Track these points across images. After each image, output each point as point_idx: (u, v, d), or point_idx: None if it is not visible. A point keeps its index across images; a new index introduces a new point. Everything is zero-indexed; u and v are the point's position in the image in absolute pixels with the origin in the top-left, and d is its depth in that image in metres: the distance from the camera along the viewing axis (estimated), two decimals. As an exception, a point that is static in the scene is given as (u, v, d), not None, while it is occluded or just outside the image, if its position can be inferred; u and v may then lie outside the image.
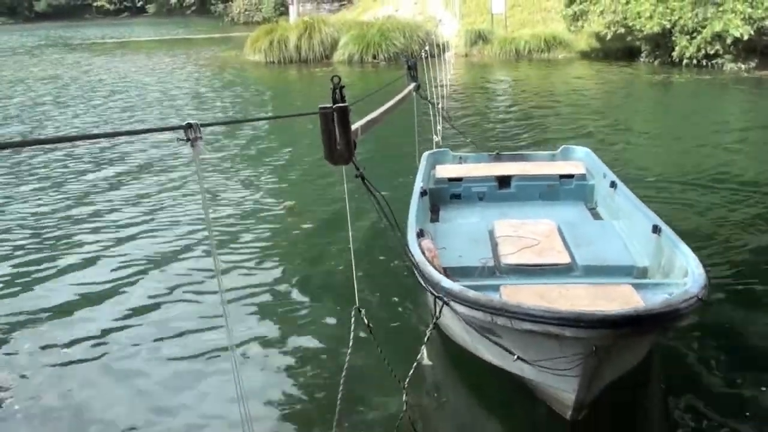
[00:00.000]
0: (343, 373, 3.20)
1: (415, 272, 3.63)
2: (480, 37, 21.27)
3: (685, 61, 16.10)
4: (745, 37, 14.71)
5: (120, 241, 6.50)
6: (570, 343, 2.85)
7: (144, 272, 5.72)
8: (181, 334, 4.63)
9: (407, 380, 3.24)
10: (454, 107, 12.83)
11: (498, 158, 6.62)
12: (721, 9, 14.99)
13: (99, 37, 40.66)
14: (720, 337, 4.27)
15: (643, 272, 4.15)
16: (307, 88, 17.90)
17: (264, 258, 5.97)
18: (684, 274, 3.49)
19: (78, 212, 7.50)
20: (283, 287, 5.36)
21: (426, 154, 6.56)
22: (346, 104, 2.86)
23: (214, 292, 5.04)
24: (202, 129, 2.12)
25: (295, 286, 5.36)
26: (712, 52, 15.59)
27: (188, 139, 2.10)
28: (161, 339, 4.59)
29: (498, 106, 13.75)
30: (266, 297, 5.18)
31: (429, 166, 6.23)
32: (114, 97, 16.83)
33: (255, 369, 4.17)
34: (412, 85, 6.63)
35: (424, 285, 3.56)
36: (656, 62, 17.28)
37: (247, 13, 46.33)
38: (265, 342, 4.49)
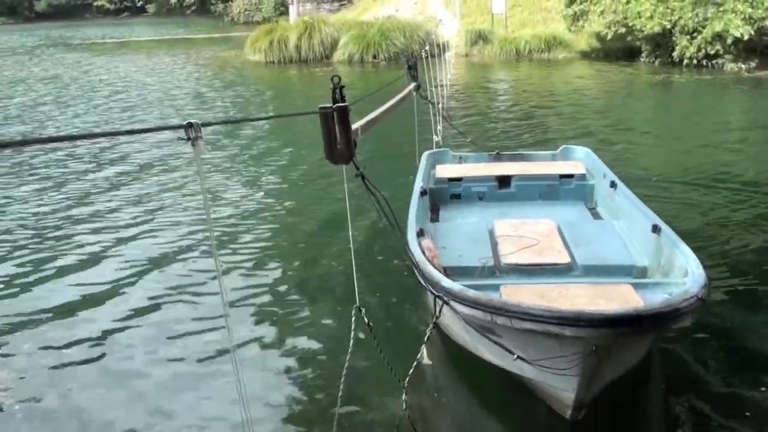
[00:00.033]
0: (344, 372, 3.21)
1: (415, 272, 3.64)
2: (480, 37, 21.27)
3: (685, 61, 16.10)
4: (746, 37, 14.70)
5: (121, 242, 6.50)
6: (570, 342, 2.86)
7: (144, 273, 5.72)
8: (180, 335, 4.62)
9: (407, 379, 3.24)
10: (454, 107, 12.84)
11: (498, 158, 6.62)
12: (721, 9, 14.99)
13: (99, 37, 40.68)
14: (720, 337, 4.27)
15: (643, 272, 4.16)
16: (308, 88, 17.91)
17: (264, 257, 5.98)
18: (684, 274, 3.49)
19: (78, 212, 7.51)
20: (282, 287, 5.37)
21: (426, 153, 6.56)
22: (346, 104, 2.87)
23: (214, 293, 5.03)
24: (202, 128, 2.13)
25: (294, 286, 5.36)
26: (712, 52, 15.59)
27: (189, 139, 2.10)
28: (161, 339, 4.59)
29: (498, 106, 13.76)
30: (266, 296, 5.18)
31: (429, 165, 6.23)
32: (115, 96, 16.84)
33: (255, 369, 4.17)
34: (413, 85, 6.63)
35: (423, 284, 3.56)
36: (657, 62, 17.28)
37: (247, 13, 46.33)
38: (265, 342, 4.49)
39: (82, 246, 6.43)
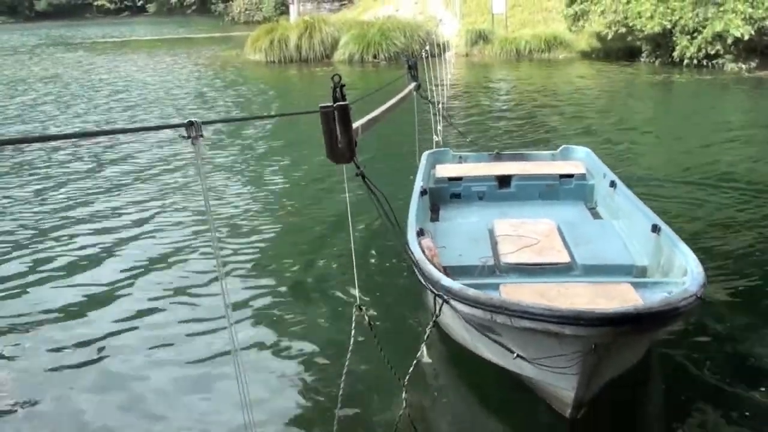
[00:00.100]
0: (344, 371, 3.21)
1: (415, 271, 3.64)
2: (480, 37, 21.28)
3: (685, 61, 16.11)
4: (746, 37, 14.72)
5: (121, 242, 6.50)
6: (569, 341, 2.87)
7: (144, 273, 5.72)
8: (180, 335, 4.62)
9: (407, 378, 3.25)
10: (454, 107, 12.85)
11: (498, 158, 6.64)
12: (721, 9, 15.00)
13: (100, 37, 40.68)
14: (719, 336, 4.27)
15: (643, 271, 4.17)
16: (308, 88, 17.92)
17: (264, 257, 5.98)
18: (683, 273, 3.50)
19: (79, 212, 7.50)
20: (283, 286, 5.37)
21: (426, 153, 6.57)
22: (346, 103, 2.88)
23: (214, 294, 5.03)
24: (203, 127, 2.14)
25: (295, 285, 5.37)
26: (712, 52, 15.60)
27: (189, 137, 2.12)
28: (161, 340, 4.58)
29: (498, 106, 13.76)
30: (266, 296, 5.19)
31: (429, 165, 6.24)
32: (115, 96, 16.84)
33: (255, 369, 4.16)
34: (413, 85, 6.64)
35: (424, 283, 3.57)
36: (657, 62, 17.29)
37: (247, 12, 46.35)
38: (265, 341, 4.49)
39: (82, 246, 6.43)
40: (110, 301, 5.22)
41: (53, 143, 10.85)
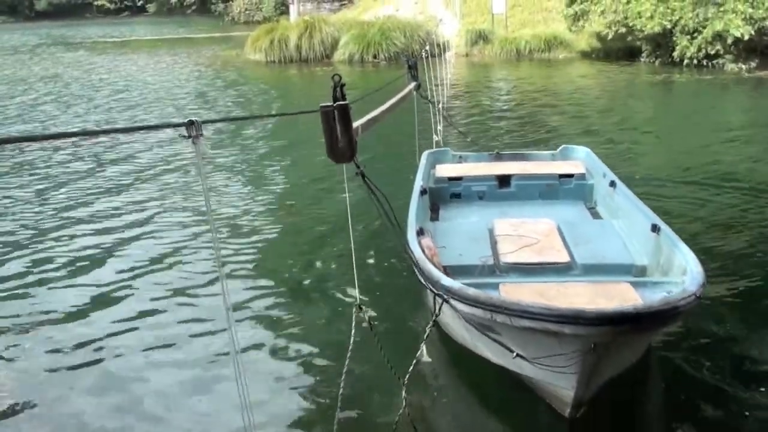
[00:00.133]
0: (344, 371, 3.22)
1: (415, 270, 3.65)
2: (480, 37, 21.28)
3: (685, 61, 16.11)
4: (746, 37, 14.71)
5: (122, 242, 6.50)
6: (569, 340, 2.87)
7: (144, 273, 5.72)
8: (180, 335, 4.62)
9: (407, 377, 3.25)
10: (454, 107, 12.85)
11: (498, 157, 6.64)
12: (721, 9, 15.00)
13: (100, 36, 40.68)
14: (719, 336, 4.27)
15: (642, 271, 4.17)
16: (308, 87, 17.92)
17: (264, 257, 5.99)
18: (682, 273, 3.50)
19: (79, 212, 7.50)
20: (282, 287, 5.37)
21: (426, 153, 6.57)
22: (347, 102, 2.88)
23: (214, 294, 5.03)
24: (203, 126, 2.14)
25: (294, 286, 5.37)
26: (712, 52, 15.60)
27: (190, 136, 2.12)
28: (161, 340, 4.58)
29: (498, 106, 13.76)
30: (266, 296, 5.19)
31: (429, 165, 6.25)
32: (116, 96, 16.85)
33: (255, 370, 4.15)
34: (413, 85, 6.64)
35: (423, 283, 3.57)
36: (657, 62, 17.29)
37: (247, 12, 46.34)
38: (265, 342, 4.49)
39: (82, 246, 6.43)
40: (110, 302, 5.22)
41: (53, 143, 10.85)
